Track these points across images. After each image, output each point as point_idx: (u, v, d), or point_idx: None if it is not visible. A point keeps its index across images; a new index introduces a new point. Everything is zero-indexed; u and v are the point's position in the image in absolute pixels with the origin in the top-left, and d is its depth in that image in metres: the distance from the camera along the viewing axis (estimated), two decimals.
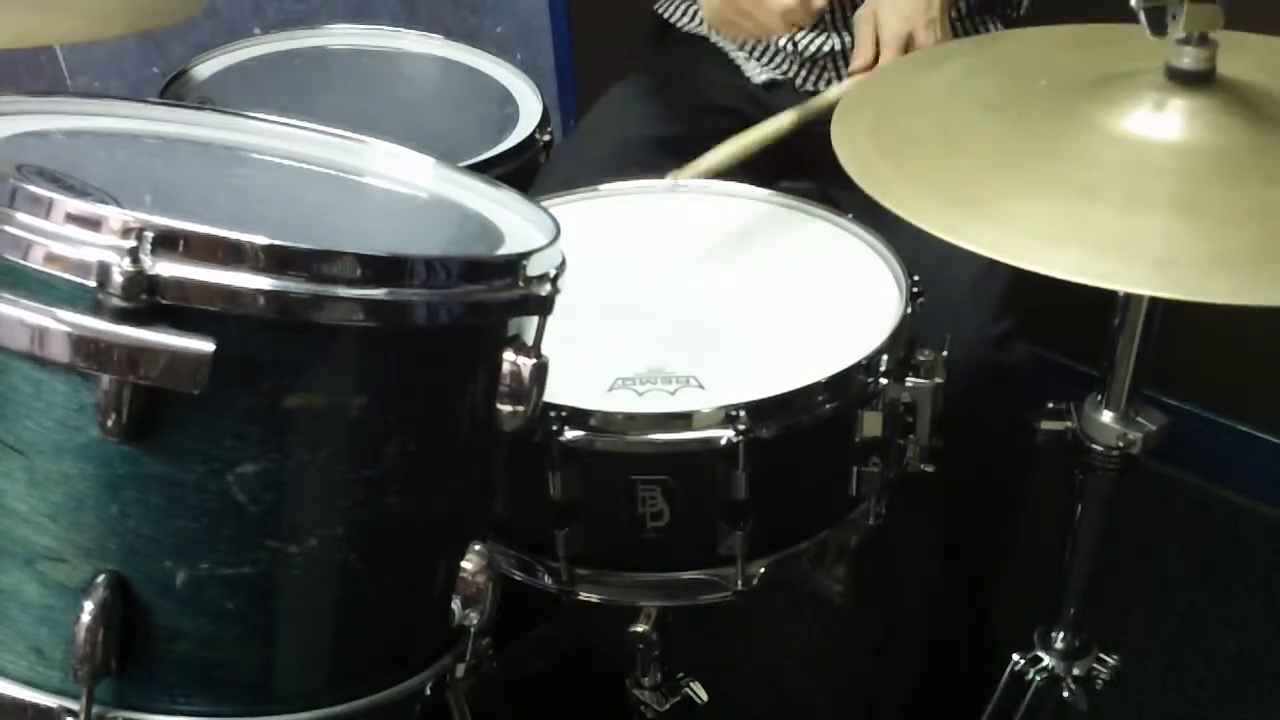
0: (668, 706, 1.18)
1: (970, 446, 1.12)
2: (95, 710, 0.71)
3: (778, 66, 1.42)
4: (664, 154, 1.33)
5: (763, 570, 1.00)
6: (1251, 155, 0.84)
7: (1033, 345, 1.25)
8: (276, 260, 0.66)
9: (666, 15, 1.54)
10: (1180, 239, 0.78)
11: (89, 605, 0.69)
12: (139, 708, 0.73)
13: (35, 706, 0.72)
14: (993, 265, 1.25)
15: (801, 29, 1.33)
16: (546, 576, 1.02)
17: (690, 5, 1.50)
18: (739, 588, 0.99)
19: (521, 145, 1.36)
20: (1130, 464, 1.04)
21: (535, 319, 0.81)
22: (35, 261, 0.66)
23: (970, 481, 1.24)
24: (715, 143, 1.25)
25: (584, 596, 1.02)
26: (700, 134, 1.39)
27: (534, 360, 0.79)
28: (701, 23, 1.46)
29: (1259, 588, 1.81)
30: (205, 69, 1.49)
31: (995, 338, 1.23)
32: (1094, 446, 1.04)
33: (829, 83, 1.40)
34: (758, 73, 1.44)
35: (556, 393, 0.89)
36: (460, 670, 0.88)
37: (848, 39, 1.37)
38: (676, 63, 1.51)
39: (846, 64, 1.39)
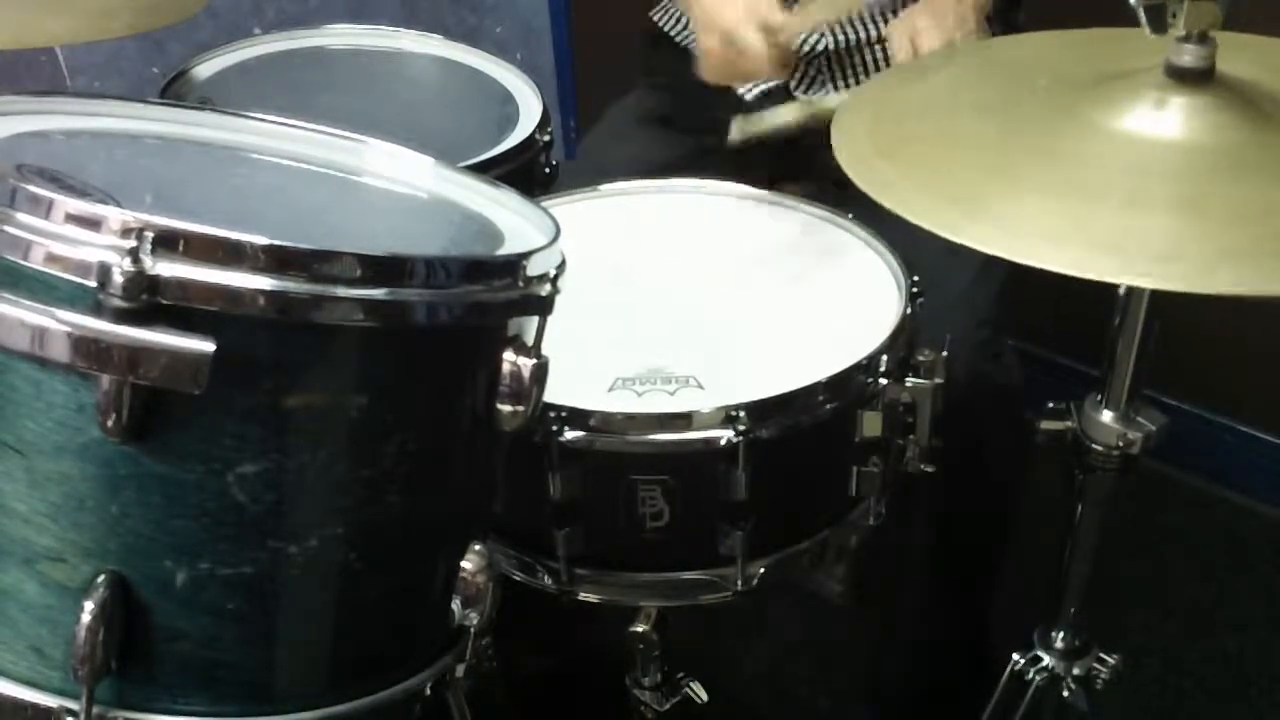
0: (668, 706, 1.18)
1: (966, 446, 1.12)
2: (95, 710, 0.70)
3: None
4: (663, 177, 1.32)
5: (763, 570, 1.00)
6: (1251, 153, 0.84)
7: (1033, 345, 1.25)
8: (276, 260, 0.66)
9: (662, 25, 1.54)
10: (1180, 237, 0.78)
11: (89, 605, 0.69)
12: (139, 708, 0.73)
13: (35, 706, 0.72)
14: (987, 268, 1.26)
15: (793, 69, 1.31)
16: (546, 576, 1.02)
17: (685, 16, 1.49)
18: (739, 588, 0.99)
19: (521, 145, 1.35)
20: (1130, 464, 1.04)
21: (535, 319, 0.81)
22: (35, 262, 0.66)
23: (968, 481, 1.24)
24: (713, 160, 1.24)
25: (584, 596, 1.02)
26: (697, 153, 1.39)
27: (534, 360, 0.79)
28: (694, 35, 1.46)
29: (1259, 588, 1.81)
30: (205, 69, 1.48)
31: (987, 340, 1.23)
32: (1094, 446, 1.04)
33: (823, 85, 1.40)
34: (748, 89, 1.38)
35: (556, 393, 0.89)
36: (460, 670, 0.88)
37: (840, 38, 1.37)
38: (674, 70, 1.50)
39: (840, 64, 1.39)
